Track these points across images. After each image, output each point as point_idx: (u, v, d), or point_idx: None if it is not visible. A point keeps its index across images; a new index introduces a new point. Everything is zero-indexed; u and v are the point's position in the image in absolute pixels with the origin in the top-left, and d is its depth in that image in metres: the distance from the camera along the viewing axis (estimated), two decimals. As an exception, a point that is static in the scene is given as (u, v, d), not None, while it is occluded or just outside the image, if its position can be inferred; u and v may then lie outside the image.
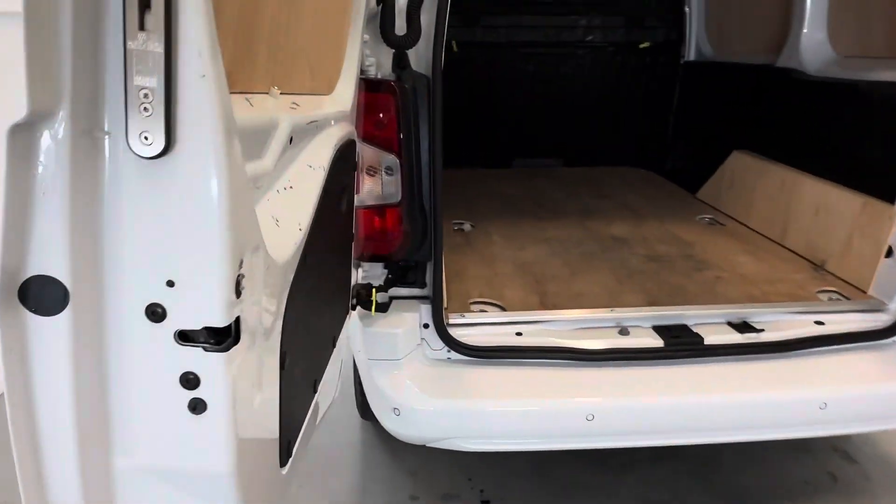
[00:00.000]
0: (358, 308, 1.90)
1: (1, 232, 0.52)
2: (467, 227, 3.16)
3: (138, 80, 0.53)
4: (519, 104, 4.16)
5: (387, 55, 1.77)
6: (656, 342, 2.08)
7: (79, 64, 0.52)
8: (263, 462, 0.81)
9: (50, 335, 0.57)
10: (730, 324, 2.19)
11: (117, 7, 0.52)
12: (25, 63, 0.47)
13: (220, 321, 0.62)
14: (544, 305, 2.27)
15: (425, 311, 2.02)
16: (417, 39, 1.74)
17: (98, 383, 0.62)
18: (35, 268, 0.55)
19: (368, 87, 1.75)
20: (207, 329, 0.62)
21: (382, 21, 1.68)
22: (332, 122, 1.30)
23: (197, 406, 0.65)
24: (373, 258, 1.93)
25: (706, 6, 3.98)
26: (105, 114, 0.55)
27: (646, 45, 4.01)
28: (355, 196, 1.85)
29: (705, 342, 2.08)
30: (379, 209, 1.86)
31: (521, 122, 4.23)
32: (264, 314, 0.75)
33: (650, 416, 1.96)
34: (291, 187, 0.99)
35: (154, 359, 0.63)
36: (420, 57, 1.81)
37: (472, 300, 2.30)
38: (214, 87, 0.57)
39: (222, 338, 0.64)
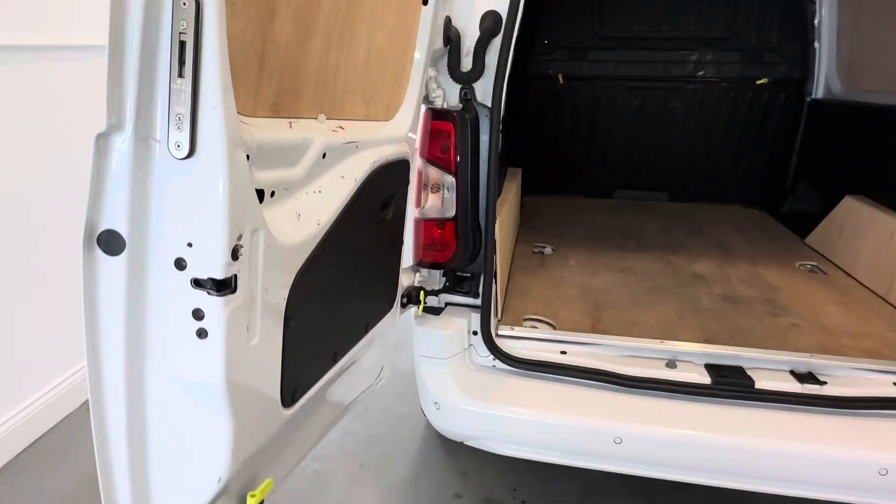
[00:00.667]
0: (414, 308, 2.15)
1: (89, 200, 0.84)
2: (548, 250, 3.29)
3: (175, 109, 0.83)
4: (623, 136, 4.20)
5: (453, 88, 2.02)
6: (703, 379, 2.07)
7: (142, 96, 0.82)
8: (259, 393, 1.08)
9: (112, 270, 0.88)
10: (792, 373, 2.11)
11: (167, 61, 0.82)
12: (106, 92, 0.78)
13: (219, 275, 0.90)
14: (595, 330, 2.34)
15: (475, 319, 2.21)
16: (480, 76, 1.97)
17: (139, 308, 0.92)
18: (107, 224, 0.86)
19: (434, 115, 2.02)
20: (212, 279, 0.90)
21: (450, 60, 1.94)
22: (381, 144, 1.57)
23: (201, 332, 0.93)
24: (431, 265, 2.18)
25: (838, 42, 3.75)
26: (157, 128, 0.85)
27: (763, 81, 3.86)
28: (417, 209, 2.12)
29: (756, 386, 2.03)
30: (437, 222, 2.11)
31: (624, 154, 4.25)
32: (264, 279, 1.01)
33: (681, 449, 1.96)
34: (320, 191, 1.26)
35: (176, 295, 0.91)
36: (484, 91, 2.04)
37: (526, 316, 2.44)
38: (222, 115, 0.84)
39: (221, 287, 0.91)
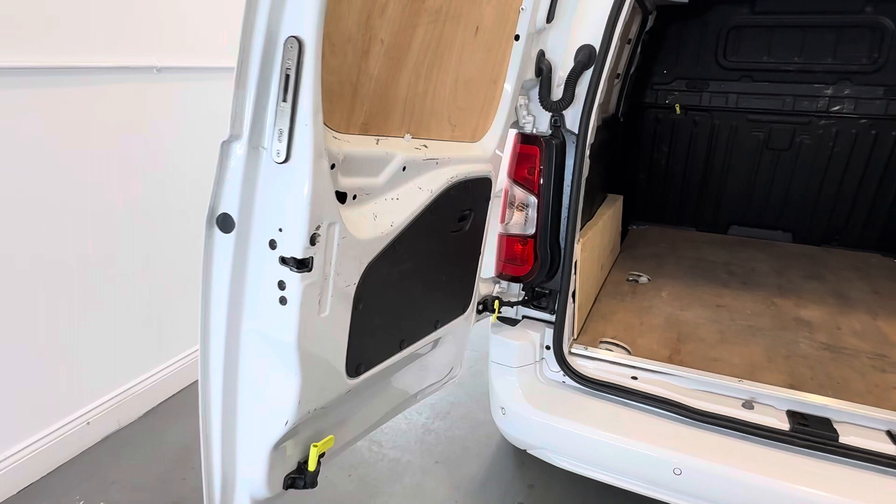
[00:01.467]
0: (491, 316, 2.32)
1: (213, 190, 1.13)
2: (643, 279, 3.28)
3: (278, 125, 1.09)
4: (743, 171, 4.04)
5: (543, 115, 2.17)
6: (780, 424, 2.01)
7: (256, 113, 1.09)
8: (326, 358, 1.31)
9: (224, 244, 1.16)
10: (890, 434, 1.96)
11: (275, 89, 1.08)
12: (231, 110, 1.06)
13: (299, 255, 1.14)
14: (671, 361, 2.34)
15: (549, 334, 2.32)
16: (569, 105, 2.11)
17: (241, 274, 1.19)
18: (224, 208, 1.14)
19: (523, 139, 2.18)
20: (294, 258, 1.15)
21: (541, 89, 2.10)
22: (464, 162, 1.77)
23: (282, 300, 1.17)
24: (510, 278, 2.33)
25: None
26: (265, 138, 1.12)
27: (911, 119, 3.53)
28: (501, 224, 2.29)
29: (840, 440, 1.92)
30: (519, 238, 2.26)
31: (743, 189, 4.08)
32: (338, 264, 1.24)
33: (741, 489, 1.91)
34: (397, 199, 1.48)
35: (268, 268, 1.17)
36: (573, 118, 2.16)
37: (603, 339, 2.50)
38: (311, 131, 1.08)
39: (301, 265, 1.15)
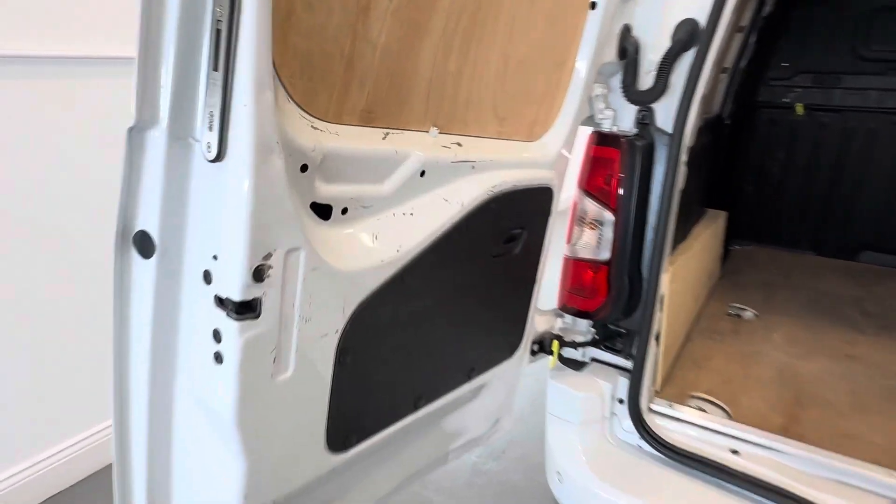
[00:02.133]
0: (550, 361, 1.88)
1: (121, 198, 0.80)
2: (748, 314, 2.69)
3: (209, 104, 0.74)
4: (882, 184, 3.30)
5: (628, 110, 1.71)
6: (951, 544, 1.43)
7: (178, 87, 0.75)
8: (292, 434, 0.95)
9: (143, 271, 0.83)
10: None
11: (206, 52, 0.73)
12: (136, 81, 0.73)
13: (236, 295, 0.79)
14: (787, 433, 1.79)
15: (623, 384, 1.85)
16: (661, 96, 1.63)
17: (170, 316, 0.86)
18: (139, 224, 0.81)
19: (599, 140, 1.73)
20: (230, 300, 0.80)
21: (625, 76, 1.64)
22: (515, 167, 1.36)
23: (217, 356, 0.83)
24: (575, 312, 1.88)
25: None
26: (195, 126, 0.77)
27: None
28: (567, 245, 1.85)
29: None
30: (590, 264, 1.80)
31: (881, 206, 3.34)
32: (305, 307, 0.88)
33: None
34: (412, 214, 1.10)
35: (202, 311, 0.83)
36: (667, 115, 1.69)
37: (694, 393, 1.98)
38: (253, 115, 0.73)
39: (240, 310, 0.80)
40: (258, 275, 0.79)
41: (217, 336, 0.82)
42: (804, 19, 3.30)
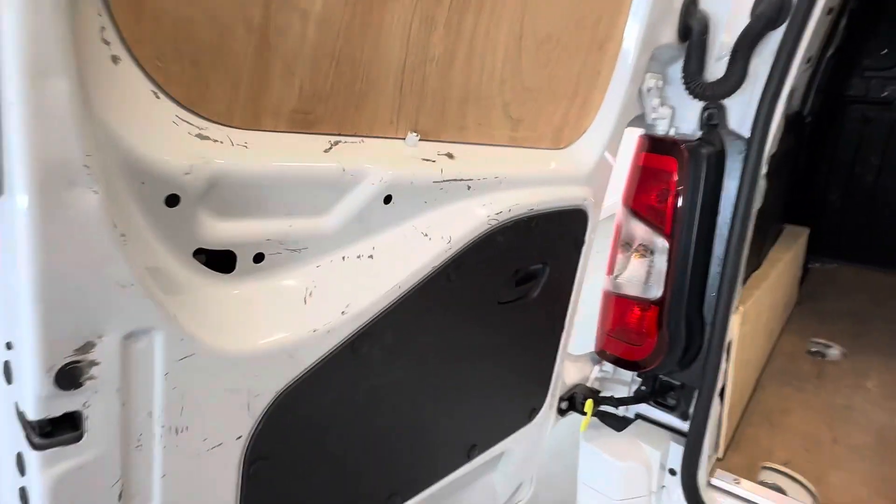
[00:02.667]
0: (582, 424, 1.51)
1: None
2: (834, 352, 2.23)
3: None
4: None
5: (689, 107, 1.33)
6: None
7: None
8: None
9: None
10: None
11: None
12: None
13: (31, 413, 0.49)
14: (895, 527, 1.37)
15: (676, 451, 1.47)
16: (734, 90, 1.24)
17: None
18: None
19: (651, 146, 1.35)
20: (25, 419, 0.50)
21: (687, 63, 1.26)
22: (533, 184, 1.02)
23: (23, 496, 0.54)
24: (617, 360, 1.51)
25: None
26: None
27: None
28: (608, 276, 1.48)
29: None
30: (637, 302, 1.43)
31: None
32: (177, 411, 0.58)
33: None
34: (370, 257, 0.78)
35: (7, 424, 0.54)
36: (743, 114, 1.30)
37: (767, 464, 1.58)
38: (24, 120, 0.43)
39: (46, 432, 0.50)
40: (68, 379, 0.49)
41: (20, 464, 0.53)
42: None
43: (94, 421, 0.52)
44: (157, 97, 0.58)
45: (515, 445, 1.27)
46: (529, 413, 1.27)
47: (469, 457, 1.09)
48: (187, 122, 0.60)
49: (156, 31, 0.56)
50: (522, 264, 1.05)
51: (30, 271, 0.45)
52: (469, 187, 0.89)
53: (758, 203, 1.38)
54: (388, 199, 0.78)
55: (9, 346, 0.51)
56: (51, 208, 0.45)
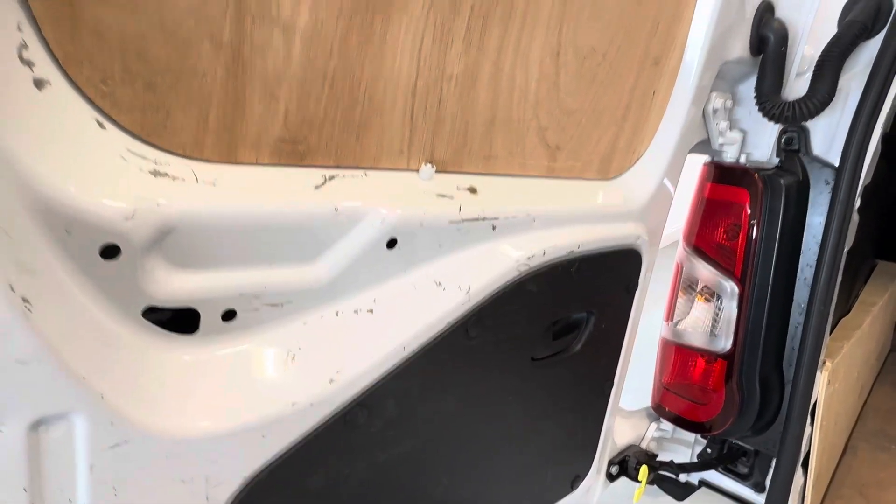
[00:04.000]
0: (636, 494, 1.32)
1: None
2: (940, 411, 1.92)
3: None
4: None
5: (763, 131, 1.15)
6: None
7: None
8: None
9: None
10: None
11: None
12: None
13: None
14: None
15: (748, 529, 1.26)
16: (821, 109, 1.05)
17: None
18: None
19: (719, 175, 1.18)
20: None
21: (761, 79, 1.09)
22: (572, 222, 0.87)
23: None
24: (679, 421, 1.31)
25: None
26: None
27: None
28: (667, 323, 1.29)
29: None
30: (701, 353, 1.24)
31: None
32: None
33: None
34: (370, 311, 0.65)
35: None
36: (829, 137, 1.11)
37: (863, 549, 1.32)
38: None
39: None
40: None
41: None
42: None
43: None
44: (103, 127, 0.48)
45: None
46: (572, 482, 1.10)
47: (498, 536, 0.94)
48: (140, 156, 0.50)
49: (98, 48, 0.47)
50: (562, 314, 0.90)
51: None
52: (494, 227, 0.76)
53: (849, 242, 1.17)
54: (392, 244, 0.66)
55: None
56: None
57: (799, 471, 1.29)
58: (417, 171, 0.72)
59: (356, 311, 0.65)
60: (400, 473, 0.73)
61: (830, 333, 1.46)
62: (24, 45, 0.43)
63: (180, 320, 0.54)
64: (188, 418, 0.51)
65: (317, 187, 0.62)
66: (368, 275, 0.65)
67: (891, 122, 2.41)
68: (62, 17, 0.45)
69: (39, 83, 0.44)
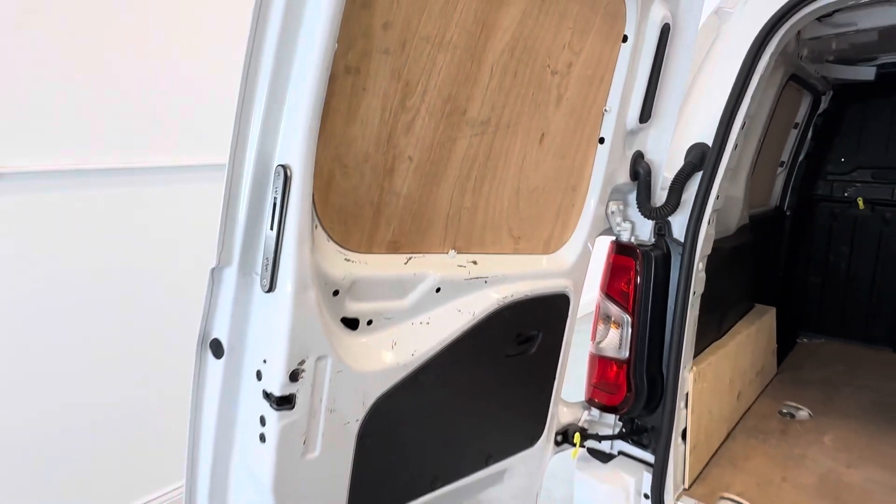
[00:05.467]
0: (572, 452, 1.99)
1: (203, 314, 1.10)
2: (803, 413, 2.65)
3: (265, 253, 1.04)
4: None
5: (646, 222, 1.89)
6: None
7: (247, 240, 1.06)
8: (319, 501, 1.18)
9: (215, 370, 1.12)
10: None
11: (267, 216, 1.04)
12: (219, 236, 1.04)
13: (276, 391, 1.05)
14: (817, 543, 1.78)
15: (648, 479, 1.93)
16: (673, 212, 1.81)
17: (232, 404, 1.13)
18: (214, 333, 1.11)
19: (618, 249, 1.91)
20: (272, 395, 1.06)
21: (639, 195, 1.84)
22: (530, 278, 1.58)
23: (262, 437, 1.08)
24: (601, 407, 2.00)
25: None
26: (257, 265, 1.07)
27: None
28: (592, 343, 2.00)
29: None
30: (614, 361, 1.94)
31: None
32: (331, 401, 1.13)
33: None
34: (428, 323, 1.34)
35: (253, 400, 1.09)
36: (683, 227, 1.85)
37: (725, 494, 2.01)
38: (294, 261, 1.01)
39: (279, 402, 1.05)
40: (294, 376, 1.06)
41: (262, 421, 1.09)
42: (860, 116, 3.34)
43: (299, 400, 1.08)
44: (329, 241, 1.17)
45: (520, 465, 1.75)
46: (531, 440, 1.77)
47: (486, 463, 1.60)
48: (341, 252, 1.19)
49: (331, 212, 1.16)
50: (523, 330, 1.60)
51: (285, 326, 1.03)
52: (486, 282, 1.46)
53: (699, 289, 1.91)
54: (438, 290, 1.35)
55: (265, 361, 1.08)
56: (297, 297, 1.03)
57: (680, 441, 1.98)
58: (447, 253, 1.43)
59: (421, 323, 1.33)
60: (438, 411, 1.40)
61: (703, 351, 2.18)
62: (315, 225, 1.12)
63: (352, 323, 1.22)
64: (360, 365, 1.18)
65: (405, 263, 1.31)
66: (426, 305, 1.34)
67: (780, 199, 3.25)
68: (321, 200, 1.14)
69: (314, 226, 1.13)
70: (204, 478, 1.16)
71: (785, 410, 2.67)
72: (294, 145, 1.01)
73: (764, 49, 1.75)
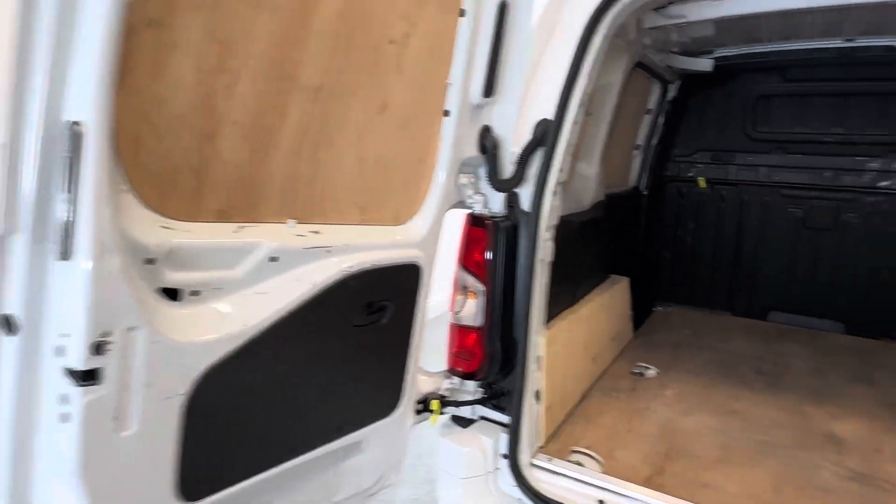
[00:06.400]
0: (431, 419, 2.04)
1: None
2: (650, 372, 2.90)
3: (60, 218, 0.96)
4: (779, 251, 3.61)
5: (497, 195, 1.97)
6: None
7: (39, 204, 0.98)
8: (135, 482, 1.12)
9: (8, 348, 1.03)
10: None
11: (64, 176, 0.96)
12: (3, 198, 0.95)
13: (78, 366, 0.98)
14: (650, 483, 1.96)
15: (505, 440, 2.02)
16: (519, 184, 1.90)
17: (32, 384, 1.04)
18: (5, 308, 1.01)
19: (472, 221, 1.98)
20: (73, 370, 0.99)
21: (489, 168, 1.91)
22: (377, 248, 1.59)
23: (64, 416, 1.01)
24: (459, 374, 2.07)
25: None
26: (50, 233, 0.99)
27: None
28: (451, 313, 2.06)
29: None
30: (468, 329, 2.02)
31: (781, 271, 3.63)
32: (147, 374, 1.08)
33: None
34: (265, 293, 1.32)
35: (54, 378, 1.02)
36: (530, 198, 1.95)
37: (575, 448, 2.16)
38: (92, 227, 0.95)
39: (84, 378, 0.99)
40: (98, 349, 0.99)
41: (64, 399, 1.01)
42: (701, 103, 3.69)
43: (107, 374, 1.02)
44: (141, 207, 1.11)
45: (378, 434, 1.77)
46: (387, 409, 1.79)
47: (339, 433, 1.60)
48: (156, 219, 1.13)
49: (143, 175, 1.10)
50: (373, 299, 1.61)
51: (84, 294, 0.96)
52: (328, 251, 1.45)
53: (548, 258, 2.03)
54: (274, 259, 1.33)
55: (65, 335, 1.00)
56: (98, 265, 0.97)
57: (533, 400, 2.09)
58: (286, 223, 1.40)
59: (256, 293, 1.30)
60: (279, 382, 1.38)
61: (556, 317, 2.32)
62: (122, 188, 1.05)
63: (172, 294, 1.16)
64: (181, 336, 1.13)
65: (235, 231, 1.27)
66: (261, 275, 1.31)
67: (637, 179, 3.50)
68: (129, 162, 1.08)
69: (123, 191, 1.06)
70: (2, 470, 1.06)
71: (636, 370, 2.91)
72: (86, 100, 0.94)
73: (596, 30, 1.87)
